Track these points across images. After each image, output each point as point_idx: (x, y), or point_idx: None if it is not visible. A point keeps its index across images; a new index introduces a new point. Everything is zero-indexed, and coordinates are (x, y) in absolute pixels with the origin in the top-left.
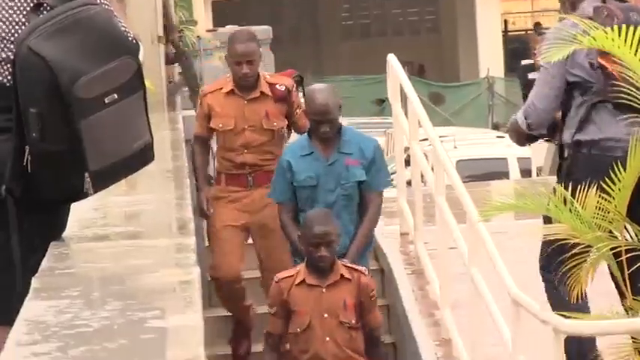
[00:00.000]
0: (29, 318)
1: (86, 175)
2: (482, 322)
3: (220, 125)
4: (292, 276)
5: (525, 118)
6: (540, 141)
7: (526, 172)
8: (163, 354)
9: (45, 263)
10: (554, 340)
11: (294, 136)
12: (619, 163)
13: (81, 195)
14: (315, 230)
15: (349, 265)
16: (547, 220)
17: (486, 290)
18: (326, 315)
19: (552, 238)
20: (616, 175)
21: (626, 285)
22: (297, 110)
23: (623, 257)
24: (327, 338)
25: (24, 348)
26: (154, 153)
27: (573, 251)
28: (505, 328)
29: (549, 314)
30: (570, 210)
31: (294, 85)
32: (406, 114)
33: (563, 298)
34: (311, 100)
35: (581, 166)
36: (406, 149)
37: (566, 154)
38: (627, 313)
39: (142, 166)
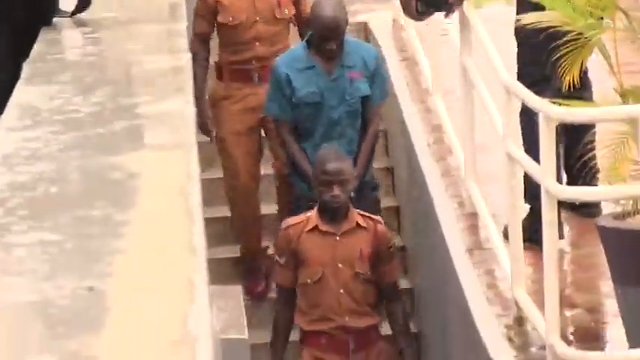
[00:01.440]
0: (20, 104)
1: None
2: (474, 108)
3: (231, 19)
4: (302, 222)
5: None
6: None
7: None
8: (155, 138)
9: (36, 49)
10: (546, 128)
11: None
12: None
13: None
14: (327, 167)
15: (364, 213)
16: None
17: (477, 77)
18: (340, 265)
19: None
20: None
21: (618, 70)
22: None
23: (615, 43)
24: (342, 290)
25: (15, 133)
26: None
27: (565, 38)
28: (496, 113)
29: (540, 100)
30: None
31: None
32: None
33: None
34: (318, 13)
35: None
36: None
37: None
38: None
39: None
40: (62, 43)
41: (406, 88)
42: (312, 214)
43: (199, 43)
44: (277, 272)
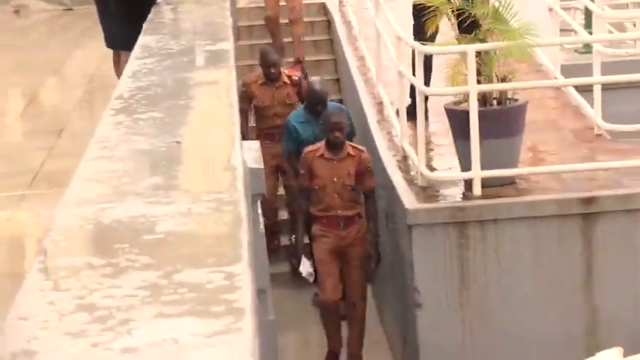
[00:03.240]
0: (141, 45)
1: None
2: (384, 50)
3: (260, 103)
4: (315, 150)
5: None
6: None
7: None
8: (213, 62)
9: (149, 17)
10: (418, 57)
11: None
12: None
13: None
14: (332, 119)
15: (354, 145)
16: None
17: (385, 32)
18: (335, 179)
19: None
20: None
21: (460, 28)
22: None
23: (455, 12)
24: (335, 195)
25: (139, 60)
26: None
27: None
28: (394, 53)
29: (415, 42)
30: None
31: (304, 76)
32: None
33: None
34: (312, 89)
35: None
36: None
37: None
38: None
39: None
40: (162, 13)
41: (345, 36)
42: (322, 145)
43: (241, 116)
44: (301, 177)
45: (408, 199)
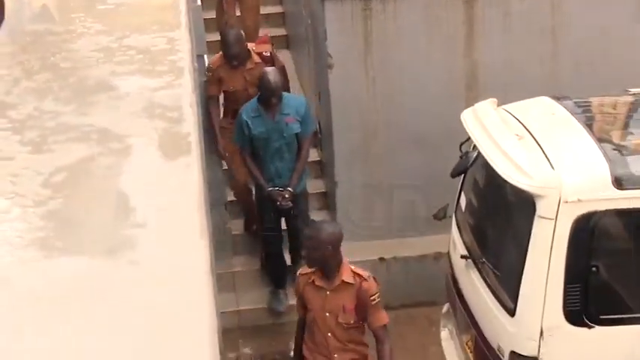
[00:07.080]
0: None
1: None
2: None
3: (231, 88)
4: (308, 274)
5: None
6: None
7: None
8: None
9: None
10: None
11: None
12: None
13: None
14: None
15: (355, 270)
16: None
17: None
18: (328, 314)
19: None
20: None
21: None
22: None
23: None
24: (329, 334)
25: None
26: None
27: None
28: None
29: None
30: None
31: (272, 45)
32: None
33: None
34: (265, 81)
35: None
36: None
37: None
38: None
39: None
40: None
41: None
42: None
43: (213, 102)
44: (296, 304)
45: None
